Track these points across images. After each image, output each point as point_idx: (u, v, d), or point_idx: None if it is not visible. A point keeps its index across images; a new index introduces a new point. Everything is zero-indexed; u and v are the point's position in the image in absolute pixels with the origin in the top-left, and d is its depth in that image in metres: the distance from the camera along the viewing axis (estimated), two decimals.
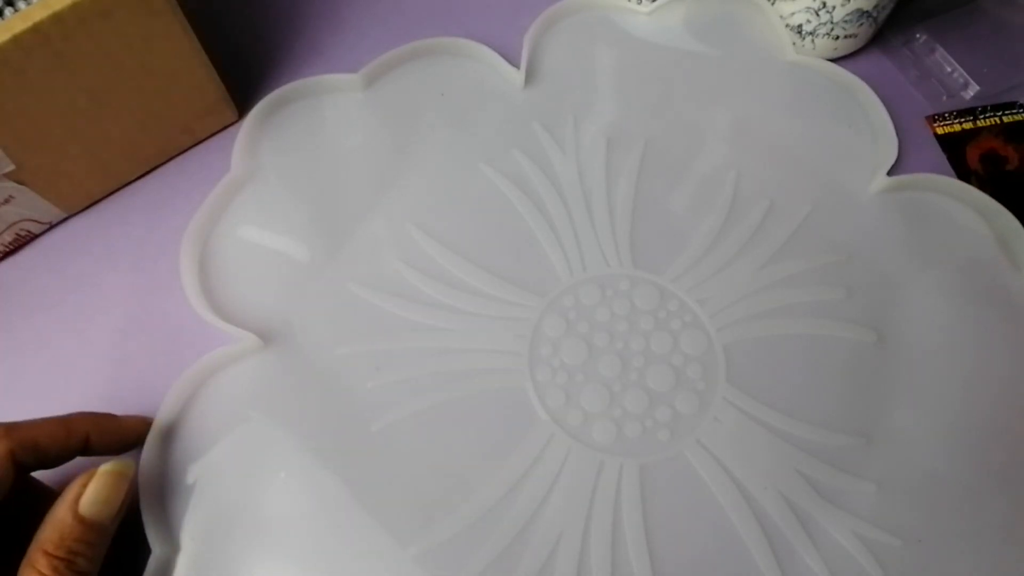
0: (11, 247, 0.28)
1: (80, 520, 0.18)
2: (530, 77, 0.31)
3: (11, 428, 0.19)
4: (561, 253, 0.28)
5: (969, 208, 0.29)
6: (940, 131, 0.31)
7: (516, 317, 0.26)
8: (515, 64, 0.31)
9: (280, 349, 0.25)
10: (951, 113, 0.32)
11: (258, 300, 0.26)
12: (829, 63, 0.32)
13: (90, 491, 0.18)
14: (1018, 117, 0.32)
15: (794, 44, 0.32)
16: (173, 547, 0.22)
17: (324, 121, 0.30)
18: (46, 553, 0.17)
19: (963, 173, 0.30)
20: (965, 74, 0.31)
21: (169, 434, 0.24)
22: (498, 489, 0.23)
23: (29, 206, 0.26)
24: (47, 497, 0.20)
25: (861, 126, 0.31)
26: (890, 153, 0.30)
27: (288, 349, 0.25)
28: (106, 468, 0.19)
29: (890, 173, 0.29)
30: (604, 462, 0.24)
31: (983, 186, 0.29)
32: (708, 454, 0.24)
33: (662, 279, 0.27)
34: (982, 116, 0.31)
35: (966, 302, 0.27)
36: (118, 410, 0.23)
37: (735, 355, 0.26)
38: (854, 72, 0.31)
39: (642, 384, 0.25)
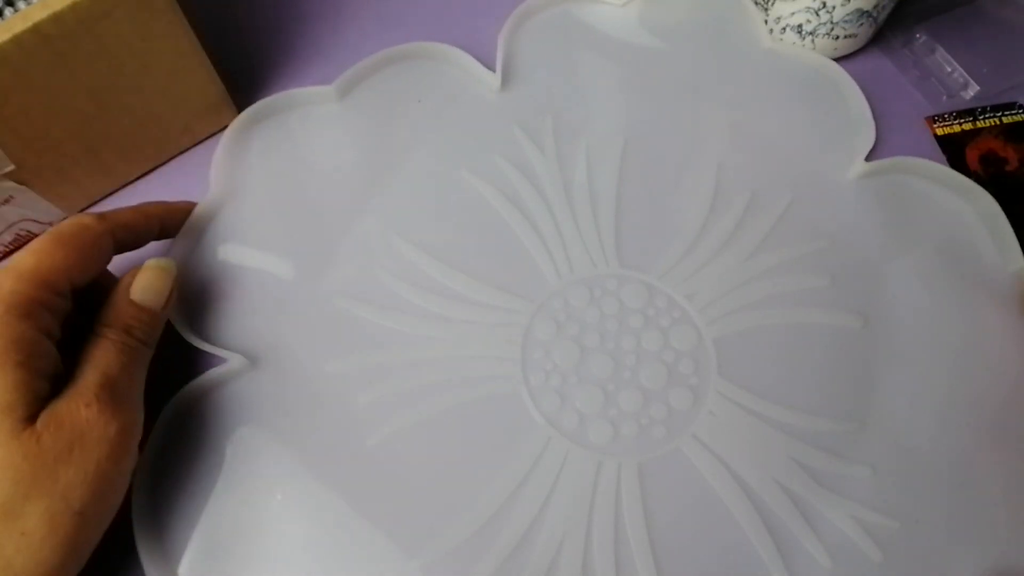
0: (11, 247, 0.28)
1: (131, 303, 0.22)
2: (506, 79, 0.31)
3: (105, 214, 0.22)
4: (547, 256, 0.28)
5: (949, 190, 0.30)
6: (940, 132, 0.31)
7: (506, 323, 0.26)
8: (490, 67, 0.31)
9: (270, 368, 0.25)
10: (951, 114, 0.32)
11: (244, 320, 0.26)
12: (803, 50, 0.32)
13: (139, 280, 0.22)
14: (1018, 118, 0.32)
15: (794, 43, 0.32)
16: None
17: (301, 136, 0.29)
18: (105, 324, 0.21)
19: (963, 174, 0.30)
20: (965, 74, 0.32)
21: (161, 462, 0.23)
22: (499, 496, 0.23)
23: (29, 206, 0.26)
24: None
25: (838, 111, 0.31)
26: (868, 138, 0.30)
27: (278, 368, 0.25)
28: (151, 263, 0.23)
29: (870, 159, 0.30)
30: (602, 462, 0.24)
31: (983, 187, 0.29)
32: (704, 448, 0.24)
33: (649, 276, 0.27)
34: (982, 117, 0.32)
35: (950, 283, 0.28)
36: None
37: (725, 348, 0.26)
38: (854, 72, 0.31)
39: (635, 382, 0.25)
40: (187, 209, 0.26)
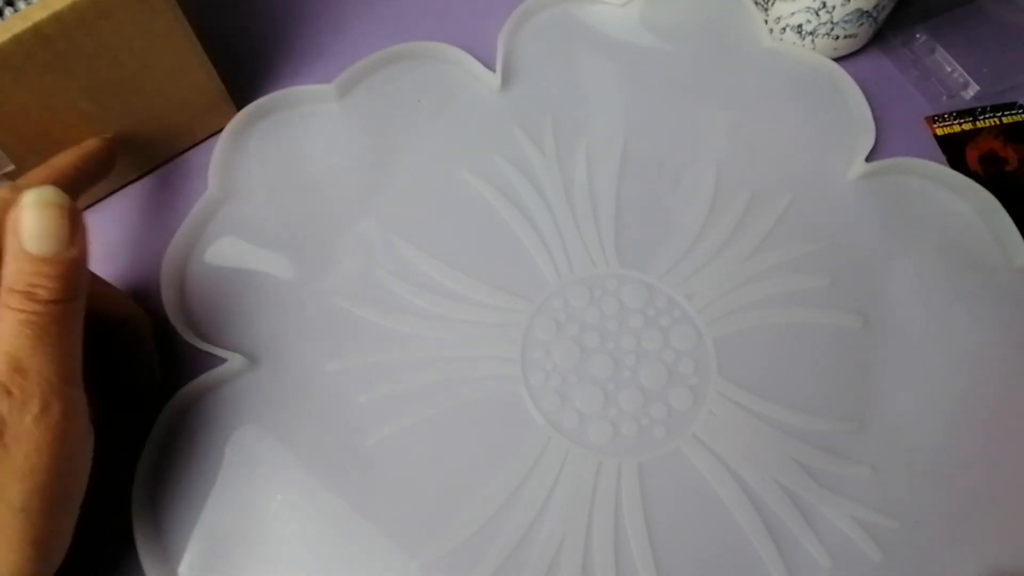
0: None
1: (29, 257, 0.17)
2: (506, 79, 0.31)
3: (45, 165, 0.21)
4: (547, 256, 0.28)
5: (949, 189, 0.30)
6: (940, 132, 0.31)
7: (506, 323, 0.26)
8: (491, 66, 0.31)
9: (269, 368, 0.25)
10: (951, 114, 0.32)
11: (244, 320, 0.26)
12: (804, 50, 0.32)
13: (24, 225, 0.17)
14: (1018, 118, 0.32)
15: (794, 43, 0.32)
16: None
17: (300, 134, 0.30)
18: (9, 289, 0.17)
19: (963, 174, 0.30)
20: (965, 74, 0.31)
21: (159, 462, 0.23)
22: (499, 495, 0.23)
23: None
24: None
25: (839, 112, 0.31)
26: (867, 138, 0.30)
27: (278, 368, 0.25)
28: (30, 198, 0.17)
29: (870, 160, 0.30)
30: (602, 462, 0.24)
31: (983, 187, 0.29)
32: (705, 448, 0.24)
33: (649, 276, 0.27)
34: (982, 117, 0.32)
35: (950, 282, 0.28)
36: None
37: (725, 348, 0.26)
38: (854, 72, 0.31)
39: (635, 382, 0.25)
40: (100, 146, 0.24)
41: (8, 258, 0.17)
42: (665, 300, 0.27)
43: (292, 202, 0.28)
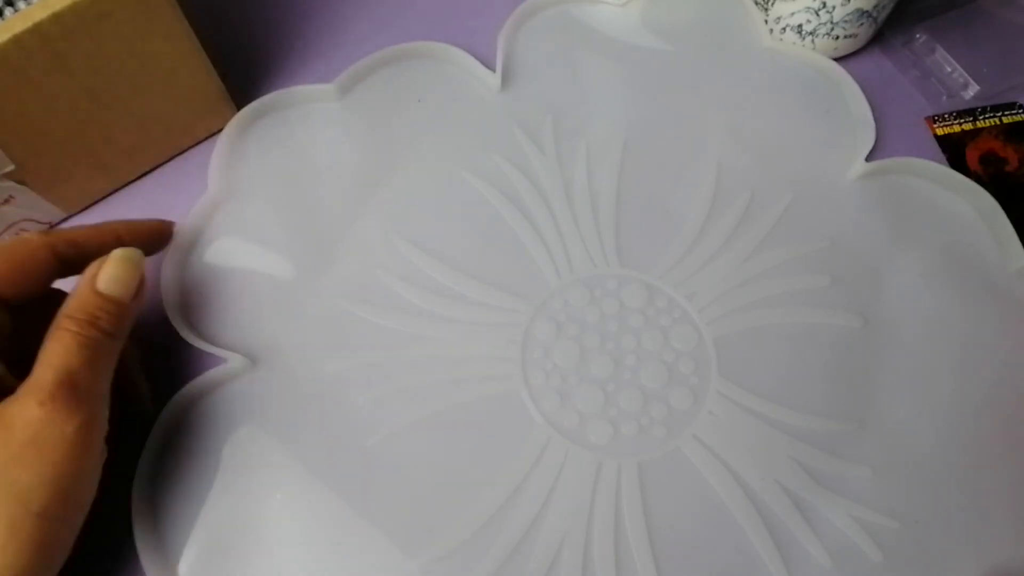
0: None
1: (97, 293, 0.20)
2: (506, 79, 0.31)
3: (50, 231, 0.22)
4: (547, 256, 0.28)
5: (948, 190, 0.30)
6: (940, 132, 0.31)
7: (506, 323, 0.26)
8: (490, 66, 0.31)
9: (270, 368, 0.25)
10: (951, 114, 0.32)
11: (244, 320, 0.26)
12: (804, 49, 0.32)
13: (105, 270, 0.21)
14: (1018, 118, 0.32)
15: (794, 43, 0.32)
16: None
17: (300, 134, 0.30)
18: (69, 316, 0.20)
19: (963, 174, 0.30)
20: (965, 74, 0.31)
21: (160, 461, 0.23)
22: (499, 496, 0.23)
23: (29, 206, 0.26)
24: None
25: (839, 112, 0.31)
26: (867, 138, 0.30)
27: (278, 368, 0.25)
28: (116, 253, 0.21)
29: (870, 160, 0.30)
30: (602, 462, 0.24)
31: (983, 187, 0.29)
32: (704, 448, 0.24)
33: (649, 276, 0.27)
34: (982, 117, 0.32)
35: (950, 282, 0.28)
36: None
37: (725, 348, 0.26)
38: (854, 72, 0.31)
39: (635, 382, 0.25)
40: (155, 227, 0.25)
41: (76, 294, 0.20)
42: (665, 300, 0.27)
43: (292, 202, 0.28)
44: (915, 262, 0.28)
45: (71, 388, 0.18)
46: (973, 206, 0.29)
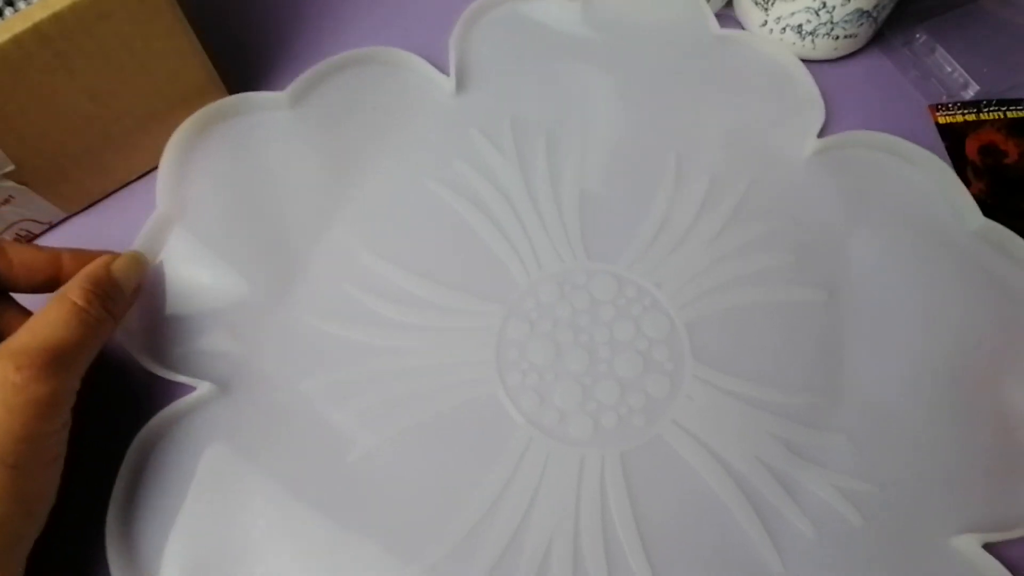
0: None
1: (111, 276, 0.22)
2: (461, 82, 0.31)
3: (6, 245, 0.22)
4: (515, 256, 0.27)
5: (901, 159, 0.30)
6: (942, 120, 0.31)
7: (479, 326, 0.26)
8: (445, 71, 0.31)
9: (241, 392, 0.25)
10: (955, 103, 0.31)
11: (209, 345, 0.25)
12: (752, 36, 0.33)
13: (121, 259, 0.23)
14: (1022, 114, 0.32)
15: (794, 44, 0.32)
16: None
17: (253, 144, 0.28)
18: (80, 287, 0.21)
19: (959, 162, 0.30)
20: (965, 74, 0.32)
21: (133, 495, 0.23)
22: (484, 500, 0.23)
23: (29, 206, 0.26)
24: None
25: (788, 92, 0.32)
26: (817, 115, 0.31)
27: (250, 391, 0.25)
28: (133, 251, 0.24)
29: (822, 136, 0.30)
30: (585, 456, 0.24)
31: (978, 176, 0.29)
32: (685, 432, 0.25)
33: (617, 267, 0.27)
34: (986, 110, 0.32)
35: (911, 249, 0.28)
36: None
37: (698, 332, 0.26)
38: (854, 72, 0.32)
39: (612, 374, 0.26)
40: (106, 260, 0.23)
41: (90, 270, 0.22)
42: (634, 289, 0.27)
43: (250, 217, 0.27)
44: (875, 233, 0.29)
45: (58, 360, 0.19)
46: (926, 172, 0.30)
